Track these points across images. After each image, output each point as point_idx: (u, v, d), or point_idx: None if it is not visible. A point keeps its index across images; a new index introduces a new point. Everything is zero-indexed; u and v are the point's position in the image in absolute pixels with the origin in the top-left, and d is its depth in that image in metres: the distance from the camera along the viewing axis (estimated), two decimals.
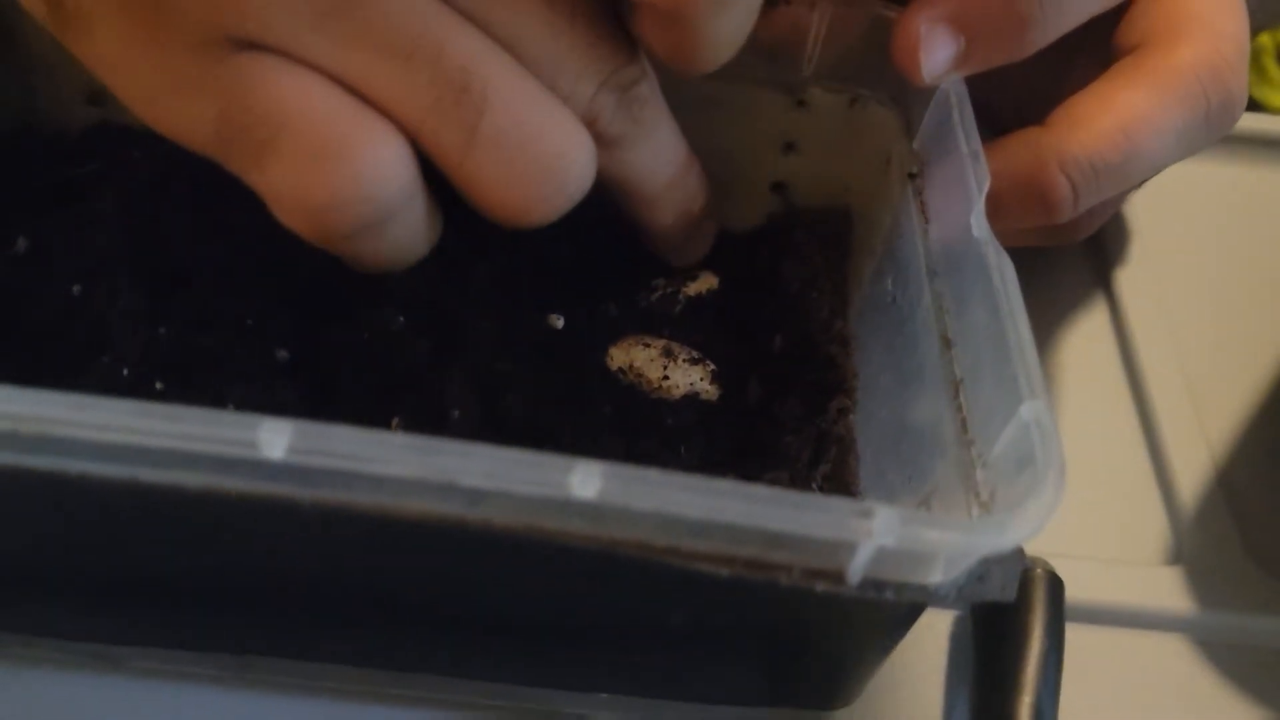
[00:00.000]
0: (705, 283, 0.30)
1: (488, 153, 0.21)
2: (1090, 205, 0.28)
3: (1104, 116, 0.27)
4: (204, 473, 0.17)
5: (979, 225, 0.22)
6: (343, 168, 0.20)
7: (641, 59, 0.23)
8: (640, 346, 0.28)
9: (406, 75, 0.20)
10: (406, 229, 0.22)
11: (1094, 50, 0.30)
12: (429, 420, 0.24)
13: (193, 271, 0.26)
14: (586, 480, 0.16)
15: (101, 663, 0.23)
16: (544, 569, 0.19)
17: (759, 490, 0.17)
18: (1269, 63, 0.47)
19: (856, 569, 0.17)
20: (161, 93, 0.21)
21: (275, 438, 0.16)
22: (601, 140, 0.23)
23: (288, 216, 0.21)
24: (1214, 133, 0.28)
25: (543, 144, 0.21)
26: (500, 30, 0.21)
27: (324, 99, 0.20)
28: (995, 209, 0.27)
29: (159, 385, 0.23)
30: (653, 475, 0.16)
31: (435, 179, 0.22)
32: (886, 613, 0.19)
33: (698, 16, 0.21)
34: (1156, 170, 0.28)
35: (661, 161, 0.25)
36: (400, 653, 0.22)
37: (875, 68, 0.28)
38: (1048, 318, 0.34)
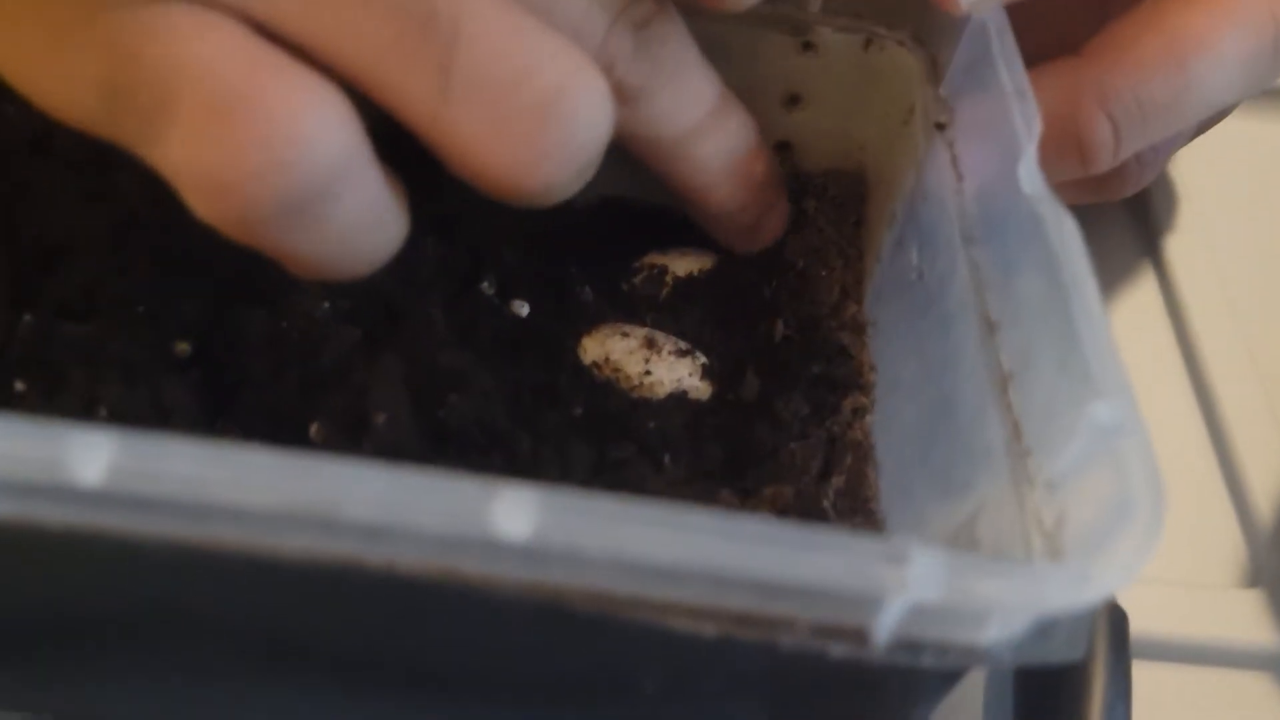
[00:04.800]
0: (696, 262, 0.26)
1: (466, 97, 0.17)
2: (1134, 150, 0.24)
3: (1153, 41, 0.23)
4: (11, 499, 0.13)
5: (1030, 177, 0.18)
6: (255, 126, 0.16)
7: None
8: (618, 336, 0.24)
9: (359, 10, 0.16)
10: (351, 214, 0.17)
11: None
12: (354, 425, 0.20)
13: (73, 246, 0.22)
14: (515, 512, 0.12)
15: None
16: (476, 625, 0.15)
17: (750, 525, 0.12)
18: None
19: (884, 627, 0.13)
20: (40, 53, 0.17)
21: (90, 454, 0.12)
22: (621, 94, 0.19)
23: (196, 201, 0.17)
24: None
25: (537, 81, 0.17)
26: None
27: (233, 47, 0.16)
28: None
29: (19, 386, 0.19)
30: (603, 506, 0.12)
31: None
32: (922, 680, 0.15)
33: None
34: (1215, 109, 0.25)
35: (699, 111, 0.22)
36: (304, 716, 0.18)
37: (894, 2, 0.24)
38: None
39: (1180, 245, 0.32)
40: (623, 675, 0.16)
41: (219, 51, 0.16)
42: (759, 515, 0.20)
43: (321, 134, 0.16)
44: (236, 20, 0.16)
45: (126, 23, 0.16)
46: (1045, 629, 0.15)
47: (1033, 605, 0.13)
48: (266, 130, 0.16)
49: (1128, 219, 0.33)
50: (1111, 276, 0.31)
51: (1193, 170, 0.33)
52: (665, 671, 0.15)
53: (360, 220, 0.17)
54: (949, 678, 0.15)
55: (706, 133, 0.22)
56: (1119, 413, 0.14)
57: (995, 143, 0.20)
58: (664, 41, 0.20)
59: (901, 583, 0.12)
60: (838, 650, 0.14)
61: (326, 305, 0.22)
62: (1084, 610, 0.14)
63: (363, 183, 0.17)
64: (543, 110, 0.17)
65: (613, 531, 0.12)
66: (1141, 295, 0.31)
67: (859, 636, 0.14)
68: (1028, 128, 0.19)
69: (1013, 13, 0.22)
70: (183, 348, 0.21)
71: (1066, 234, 0.17)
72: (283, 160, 0.16)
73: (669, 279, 0.26)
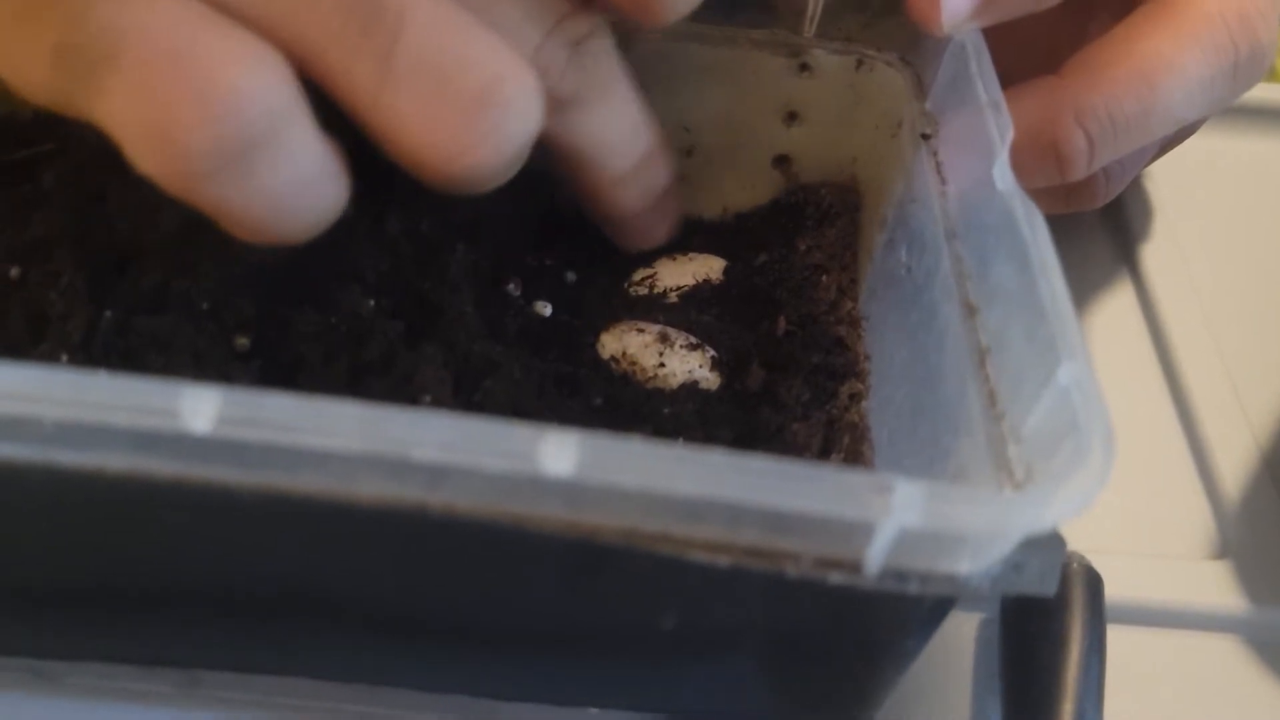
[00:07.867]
0: (705, 265, 0.28)
1: (405, 84, 0.17)
2: (1106, 161, 0.26)
3: (1124, 63, 0.25)
4: (126, 452, 0.15)
5: (1003, 177, 0.20)
6: (193, 78, 0.16)
7: (594, 13, 0.21)
8: (634, 332, 0.26)
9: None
10: (286, 170, 0.17)
11: (1114, 6, 0.28)
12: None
13: (143, 251, 0.23)
14: (560, 452, 0.14)
15: (36, 679, 0.21)
16: (520, 564, 0.17)
17: (759, 463, 0.14)
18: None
19: (875, 555, 0.15)
20: (5, 33, 0.17)
21: (200, 405, 0.14)
22: (552, 100, 0.20)
23: (135, 152, 0.17)
24: (1241, 84, 0.27)
25: (473, 73, 0.18)
26: None
27: (178, 9, 0.17)
28: None
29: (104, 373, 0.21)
30: (636, 446, 0.14)
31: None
32: (910, 608, 0.16)
33: None
34: (1179, 124, 0.27)
35: (621, 128, 0.23)
36: (364, 664, 0.20)
37: (883, 25, 0.26)
38: None
39: (1153, 251, 0.33)
40: (646, 611, 0.17)
41: (164, 11, 0.16)
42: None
43: (257, 88, 0.17)
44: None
45: None
46: (1018, 565, 0.17)
47: (999, 528, 0.14)
48: (203, 82, 0.16)
49: (1106, 229, 0.34)
50: (1091, 279, 0.33)
51: (1164, 184, 0.35)
52: (687, 607, 0.17)
53: (295, 178, 0.18)
54: (935, 609, 0.17)
55: (623, 145, 0.23)
56: (1076, 373, 0.16)
57: (974, 149, 0.22)
58: (597, 59, 0.21)
59: (887, 508, 0.14)
60: (836, 578, 0.16)
61: (371, 303, 0.24)
62: (1047, 543, 0.16)
63: (297, 139, 0.17)
64: (477, 99, 0.18)
65: (642, 466, 0.14)
66: (1118, 295, 0.32)
67: (854, 566, 0.16)
68: (1001, 135, 0.21)
69: (995, 35, 0.24)
70: (242, 342, 0.23)
71: (1035, 225, 0.19)
72: (218, 111, 0.16)
73: (678, 282, 0.27)
